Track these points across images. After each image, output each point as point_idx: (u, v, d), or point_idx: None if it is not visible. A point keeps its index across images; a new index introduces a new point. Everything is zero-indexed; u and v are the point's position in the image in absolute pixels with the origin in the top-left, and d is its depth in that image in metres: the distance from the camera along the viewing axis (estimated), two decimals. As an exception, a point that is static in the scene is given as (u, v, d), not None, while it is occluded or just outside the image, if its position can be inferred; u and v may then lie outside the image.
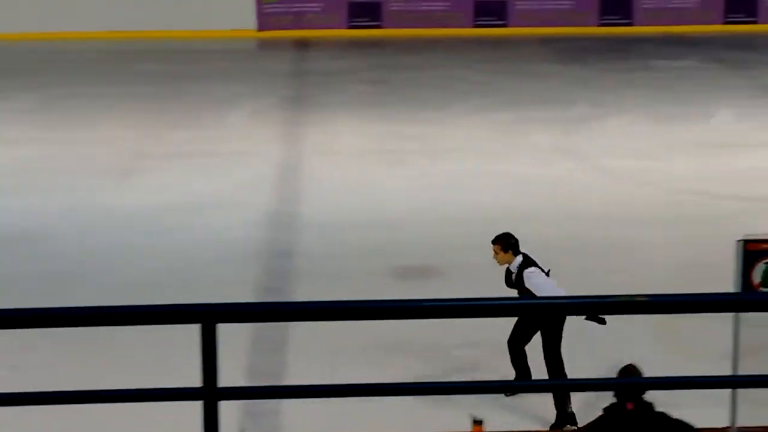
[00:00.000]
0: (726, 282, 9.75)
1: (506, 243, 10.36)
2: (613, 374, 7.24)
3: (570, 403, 10.19)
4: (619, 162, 18.37)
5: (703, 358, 11.00)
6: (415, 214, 16.04)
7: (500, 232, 10.55)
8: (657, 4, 30.17)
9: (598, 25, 30.18)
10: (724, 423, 9.18)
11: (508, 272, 10.43)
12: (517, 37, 29.43)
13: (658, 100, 22.52)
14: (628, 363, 7.54)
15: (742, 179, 17.31)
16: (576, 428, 10.09)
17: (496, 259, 10.45)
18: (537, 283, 10.09)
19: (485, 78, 24.73)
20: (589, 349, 11.28)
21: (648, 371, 9.04)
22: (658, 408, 7.39)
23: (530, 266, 10.19)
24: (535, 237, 14.96)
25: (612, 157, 18.70)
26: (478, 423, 8.23)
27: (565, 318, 10.11)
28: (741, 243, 9.11)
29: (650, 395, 7.47)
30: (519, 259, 10.31)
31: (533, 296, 9.73)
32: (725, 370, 9.84)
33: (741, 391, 8.90)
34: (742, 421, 9.06)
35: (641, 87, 23.84)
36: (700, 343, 11.36)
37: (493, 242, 10.47)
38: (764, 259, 9.04)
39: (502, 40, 29.30)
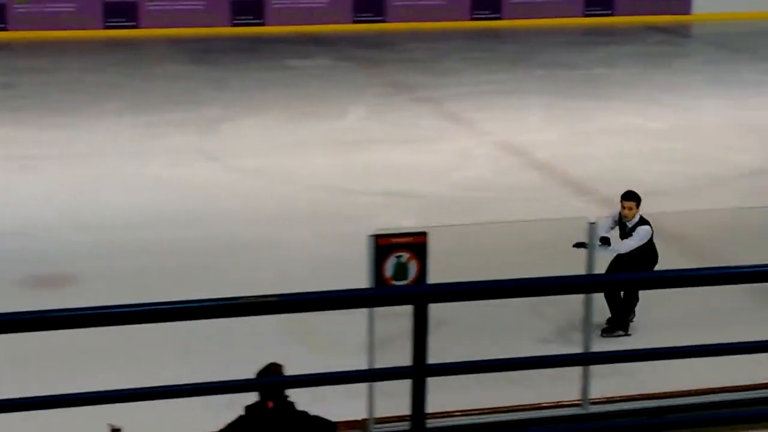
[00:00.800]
0: (362, 277, 9.94)
1: (639, 200, 11.70)
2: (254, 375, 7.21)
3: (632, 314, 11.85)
4: (256, 161, 18.47)
5: (341, 354, 11.15)
6: (48, 221, 15.57)
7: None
8: (288, 5, 30.61)
9: (230, 26, 30.32)
10: (362, 414, 9.36)
11: (623, 225, 11.70)
12: (148, 38, 29.16)
13: (292, 99, 22.81)
14: (270, 362, 7.53)
15: (374, 175, 17.73)
16: (626, 334, 11.65)
17: (627, 214, 11.66)
18: (640, 236, 11.55)
19: (117, 80, 24.37)
20: (227, 350, 11.23)
21: (289, 370, 9.04)
22: (300, 407, 7.44)
23: (647, 225, 11.61)
24: (172, 239, 14.85)
25: (248, 156, 18.78)
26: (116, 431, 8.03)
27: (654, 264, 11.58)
28: (372, 238, 9.24)
29: (293, 393, 7.51)
30: (638, 215, 11.69)
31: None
32: (362, 364, 10.04)
33: (377, 384, 9.08)
34: (379, 413, 9.25)
35: (276, 86, 24.08)
36: (338, 339, 11.50)
37: (628, 199, 11.69)
38: (395, 253, 9.23)
39: (133, 41, 28.95)
